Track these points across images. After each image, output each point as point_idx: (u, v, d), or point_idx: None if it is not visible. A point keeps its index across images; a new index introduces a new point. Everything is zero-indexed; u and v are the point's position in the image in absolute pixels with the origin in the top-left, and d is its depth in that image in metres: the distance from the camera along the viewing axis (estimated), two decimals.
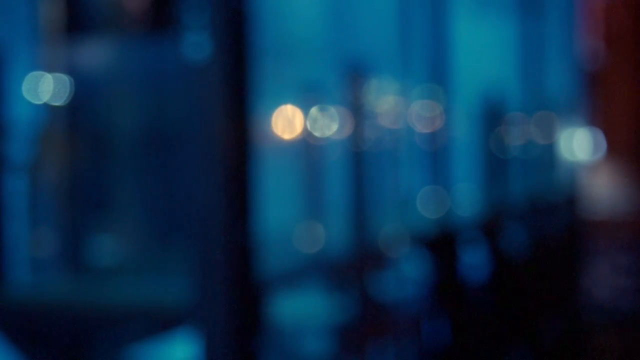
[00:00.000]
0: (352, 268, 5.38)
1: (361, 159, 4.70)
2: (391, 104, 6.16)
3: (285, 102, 4.37)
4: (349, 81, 4.45)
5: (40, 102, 3.22)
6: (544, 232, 5.44)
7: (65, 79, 3.25)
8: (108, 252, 3.37)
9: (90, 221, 3.44)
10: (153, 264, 3.33)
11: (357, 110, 4.58)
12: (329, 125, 4.56)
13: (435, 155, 6.03)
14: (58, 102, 3.25)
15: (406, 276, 5.80)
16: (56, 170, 3.32)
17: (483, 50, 6.19)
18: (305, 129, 4.27)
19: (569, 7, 5.20)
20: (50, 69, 3.27)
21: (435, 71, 6.26)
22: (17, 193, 2.81)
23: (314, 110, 4.43)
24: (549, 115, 5.34)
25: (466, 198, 6.06)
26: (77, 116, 3.42)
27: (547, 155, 5.41)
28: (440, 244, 5.86)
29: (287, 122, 4.31)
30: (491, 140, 6.09)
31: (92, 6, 3.41)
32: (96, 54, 3.50)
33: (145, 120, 3.35)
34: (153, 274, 3.17)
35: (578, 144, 5.37)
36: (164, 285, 2.92)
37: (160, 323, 2.96)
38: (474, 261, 5.68)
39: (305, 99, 4.22)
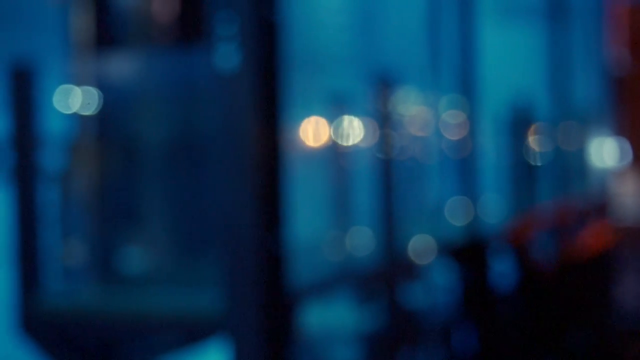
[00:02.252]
0: (382, 277, 5.37)
1: (389, 167, 4.70)
2: (419, 113, 6.16)
3: (314, 111, 4.39)
4: (376, 90, 4.46)
5: (70, 113, 3.25)
6: (571, 240, 5.42)
7: (94, 92, 3.28)
8: (138, 262, 3.38)
9: (121, 230, 3.46)
10: (183, 273, 3.34)
11: (385, 119, 4.59)
12: (357, 133, 4.57)
13: (463, 163, 6.02)
14: (87, 112, 3.28)
15: (435, 284, 5.79)
16: (86, 179, 3.35)
17: (511, 60, 6.18)
18: (332, 138, 4.28)
19: (596, 16, 5.20)
20: (80, 82, 3.30)
21: (462, 81, 6.26)
22: (50, 203, 2.84)
23: (341, 119, 4.44)
24: (576, 124, 5.33)
25: (494, 206, 6.04)
26: (107, 128, 3.45)
27: (575, 163, 5.39)
28: (469, 253, 5.85)
29: (315, 130, 4.32)
30: (519, 148, 6.08)
31: (122, 19, 3.44)
32: (126, 65, 3.53)
33: (175, 130, 3.37)
34: (183, 283, 3.18)
35: (604, 152, 5.36)
36: (194, 294, 2.93)
37: (191, 332, 2.97)
38: (502, 270, 5.66)
39: (334, 108, 4.23)
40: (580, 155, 5.39)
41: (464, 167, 6.51)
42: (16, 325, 2.83)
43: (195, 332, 2.95)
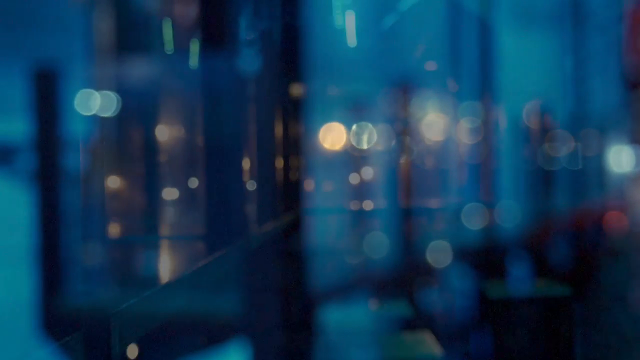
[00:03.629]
0: (400, 280, 5.36)
1: (407, 170, 4.69)
2: (437, 118, 6.14)
3: (334, 116, 4.40)
4: (396, 96, 4.46)
5: (91, 115, 3.26)
6: (590, 244, 5.40)
7: (115, 95, 3.29)
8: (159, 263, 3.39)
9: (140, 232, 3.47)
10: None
11: (403, 124, 4.59)
12: (374, 138, 4.57)
13: (482, 168, 6.00)
14: (108, 115, 3.30)
15: (452, 288, 5.78)
16: (107, 181, 3.36)
17: (530, 66, 6.16)
18: (351, 142, 4.29)
19: (615, 22, 5.18)
20: (101, 85, 3.31)
21: (481, 87, 6.23)
22: (71, 204, 2.86)
23: (359, 124, 4.45)
24: (594, 131, 5.32)
25: (512, 210, 6.02)
26: (128, 130, 3.46)
27: (593, 169, 5.38)
28: (487, 257, 5.83)
29: (334, 135, 4.33)
30: (538, 153, 6.06)
31: (145, 23, 3.46)
32: (147, 68, 3.54)
33: (195, 133, 3.38)
34: (202, 285, 3.18)
35: (622, 159, 5.34)
36: (214, 297, 2.93)
37: (212, 334, 2.97)
38: (520, 274, 5.65)
39: (353, 112, 4.24)
40: (598, 161, 5.37)
41: (482, 171, 6.49)
42: (37, 326, 2.84)
43: (216, 334, 2.96)
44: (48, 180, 2.81)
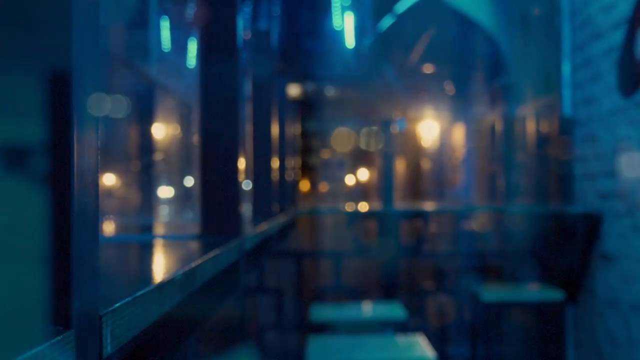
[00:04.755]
0: (395, 282, 5.37)
1: (414, 173, 4.72)
2: (438, 122, 6.16)
3: (334, 117, 4.42)
4: (397, 98, 4.49)
5: (103, 117, 3.29)
6: (590, 249, 5.42)
7: (124, 99, 3.32)
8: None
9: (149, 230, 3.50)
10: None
11: (403, 127, 4.61)
12: (379, 141, 4.60)
13: (486, 171, 6.02)
14: (120, 116, 3.34)
15: (460, 291, 5.80)
16: (102, 180, 3.38)
17: (531, 69, 6.18)
18: (358, 145, 4.33)
19: (613, 28, 5.19)
20: (112, 87, 3.35)
21: (487, 91, 6.25)
22: (82, 205, 2.87)
23: (360, 127, 4.48)
24: (601, 135, 5.33)
25: (512, 214, 6.04)
26: (137, 132, 3.48)
27: (600, 172, 5.40)
28: (483, 261, 5.84)
29: (343, 139, 4.37)
30: (544, 157, 6.08)
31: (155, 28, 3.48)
32: (157, 71, 3.56)
33: (204, 134, 3.43)
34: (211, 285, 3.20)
35: (631, 163, 5.35)
36: (208, 296, 2.94)
37: (205, 334, 2.99)
38: (527, 278, 5.66)
39: (354, 115, 4.27)
40: (605, 164, 5.39)
41: (482, 174, 6.51)
42: (32, 325, 2.85)
43: (211, 334, 2.97)
44: (60, 181, 2.82)
